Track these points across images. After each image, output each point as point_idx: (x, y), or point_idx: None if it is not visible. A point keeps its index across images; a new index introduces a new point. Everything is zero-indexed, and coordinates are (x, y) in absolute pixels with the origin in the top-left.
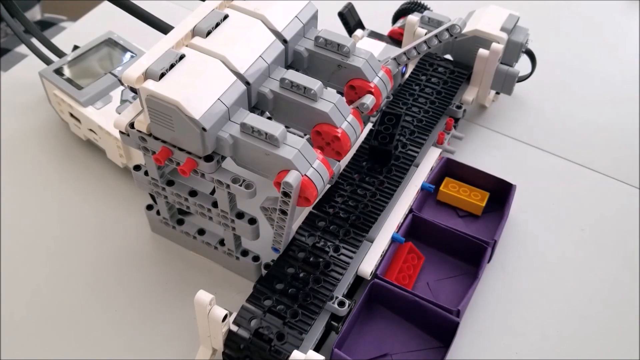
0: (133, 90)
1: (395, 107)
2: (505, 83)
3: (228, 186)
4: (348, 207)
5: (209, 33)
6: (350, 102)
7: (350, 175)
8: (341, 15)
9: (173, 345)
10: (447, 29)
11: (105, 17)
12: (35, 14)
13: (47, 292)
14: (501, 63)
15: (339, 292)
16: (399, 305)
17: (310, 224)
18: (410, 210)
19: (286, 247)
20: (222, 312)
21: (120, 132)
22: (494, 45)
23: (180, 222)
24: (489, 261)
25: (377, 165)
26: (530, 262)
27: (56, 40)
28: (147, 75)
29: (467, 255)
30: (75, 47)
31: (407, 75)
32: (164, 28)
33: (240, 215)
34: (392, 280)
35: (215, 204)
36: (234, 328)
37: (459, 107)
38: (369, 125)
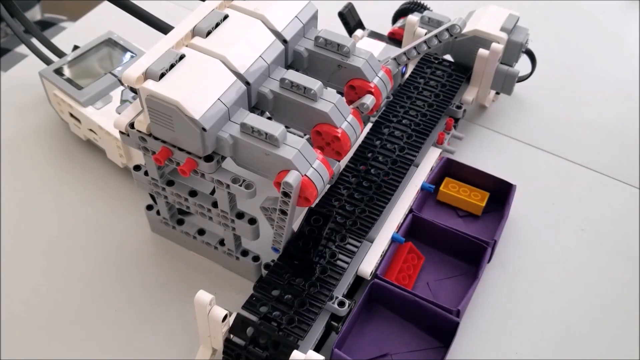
0: (133, 90)
1: (386, 118)
2: (505, 83)
3: (228, 186)
4: (348, 207)
5: (209, 33)
6: (350, 102)
7: (349, 176)
8: (341, 15)
9: (173, 345)
10: (447, 29)
11: (105, 17)
12: (35, 14)
13: (47, 292)
14: (501, 63)
15: (339, 292)
16: (399, 305)
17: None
18: (410, 210)
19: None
20: (222, 312)
21: (120, 132)
22: (494, 45)
23: (180, 222)
24: (489, 261)
25: (300, 276)
26: (530, 262)
27: (56, 40)
28: (147, 75)
29: (467, 255)
30: (75, 47)
31: (407, 76)
32: (164, 28)
33: (240, 215)
34: (392, 280)
35: (215, 204)
36: (245, 313)
37: (459, 107)
38: (369, 125)
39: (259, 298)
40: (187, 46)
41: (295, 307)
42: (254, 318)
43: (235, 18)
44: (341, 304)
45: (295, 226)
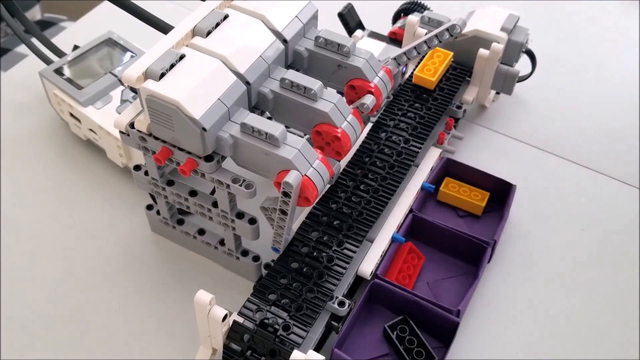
0: (133, 90)
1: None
2: (505, 83)
3: (228, 186)
4: (349, 206)
5: (209, 33)
6: (350, 102)
7: (350, 174)
8: (341, 16)
9: (173, 345)
10: (447, 29)
11: (105, 17)
12: (35, 14)
13: (46, 292)
14: (501, 63)
15: (339, 292)
16: (399, 305)
17: (312, 219)
18: (410, 210)
19: (288, 243)
20: (222, 312)
21: (120, 132)
22: (494, 45)
23: (180, 222)
24: (489, 261)
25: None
26: (530, 262)
27: (56, 40)
28: (147, 75)
29: (467, 255)
30: (75, 47)
31: (407, 75)
32: (164, 28)
33: (240, 215)
34: (392, 280)
35: (215, 204)
36: (240, 319)
37: (459, 107)
38: (369, 125)
39: (256, 302)
40: (187, 46)
41: (293, 311)
42: (250, 325)
43: (235, 18)
44: (341, 304)
45: (296, 226)
